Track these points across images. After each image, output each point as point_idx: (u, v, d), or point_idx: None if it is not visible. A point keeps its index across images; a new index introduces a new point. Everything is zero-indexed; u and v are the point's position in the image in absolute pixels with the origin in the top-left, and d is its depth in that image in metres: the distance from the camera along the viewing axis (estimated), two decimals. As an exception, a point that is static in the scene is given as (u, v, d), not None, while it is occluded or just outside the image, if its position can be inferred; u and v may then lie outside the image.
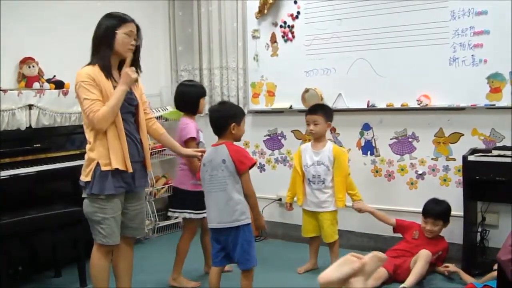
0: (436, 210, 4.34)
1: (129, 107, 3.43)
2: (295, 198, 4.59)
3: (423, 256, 4.08)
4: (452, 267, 4.21)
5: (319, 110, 4.43)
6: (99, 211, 3.31)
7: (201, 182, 3.70)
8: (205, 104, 4.56)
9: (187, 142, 4.15)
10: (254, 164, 3.60)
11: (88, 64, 3.33)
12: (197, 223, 4.35)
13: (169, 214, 4.45)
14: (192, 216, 4.24)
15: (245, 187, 3.54)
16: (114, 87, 3.32)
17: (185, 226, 4.41)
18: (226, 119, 3.58)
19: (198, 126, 4.31)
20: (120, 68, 3.43)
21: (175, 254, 4.37)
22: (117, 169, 3.27)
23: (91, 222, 3.38)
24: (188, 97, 4.33)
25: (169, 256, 5.01)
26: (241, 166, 3.50)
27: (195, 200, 4.13)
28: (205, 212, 3.89)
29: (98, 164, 3.26)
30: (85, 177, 3.30)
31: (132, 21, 3.42)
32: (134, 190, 3.48)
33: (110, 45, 3.33)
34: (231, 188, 3.50)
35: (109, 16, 3.41)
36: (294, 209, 4.69)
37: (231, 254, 3.57)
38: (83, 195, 3.37)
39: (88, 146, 3.32)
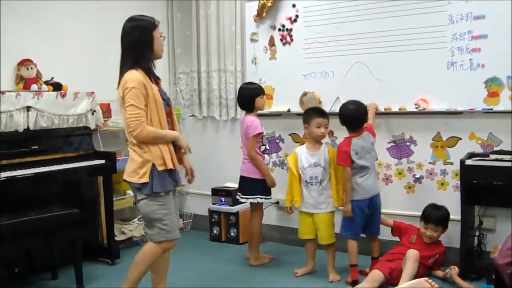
0: (437, 216, 4.33)
1: (167, 107, 3.57)
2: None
3: (411, 256, 4.10)
4: (455, 272, 4.18)
5: (326, 114, 4.55)
6: (160, 208, 3.45)
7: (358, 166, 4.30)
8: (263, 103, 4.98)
9: (252, 138, 4.73)
10: None
11: (131, 68, 3.39)
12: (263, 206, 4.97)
13: (240, 199, 4.98)
14: (264, 200, 4.87)
15: None
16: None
17: (254, 210, 4.96)
18: (366, 114, 4.40)
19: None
20: None
21: (249, 238, 5.02)
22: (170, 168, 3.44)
23: (150, 221, 3.48)
24: (244, 97, 4.89)
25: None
26: None
27: (265, 186, 4.80)
28: (271, 197, 4.92)
29: (153, 165, 3.39)
30: (140, 178, 3.40)
31: (159, 23, 3.57)
32: (177, 185, 3.65)
33: (152, 48, 3.48)
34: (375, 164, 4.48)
35: (138, 20, 3.50)
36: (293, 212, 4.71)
37: (371, 223, 4.43)
38: (140, 197, 3.45)
39: (138, 149, 3.41)
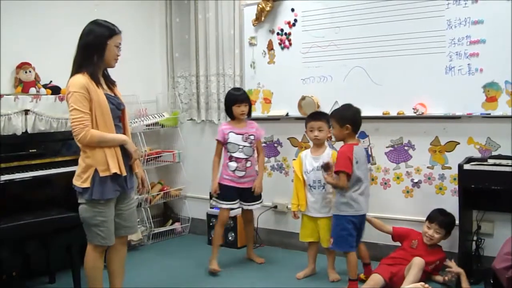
0: (443, 218, 4.35)
1: (118, 112, 3.57)
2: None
3: (416, 264, 4.09)
4: (454, 267, 4.16)
5: (322, 117, 4.53)
6: (98, 215, 3.44)
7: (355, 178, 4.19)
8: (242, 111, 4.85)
9: (216, 143, 4.87)
10: None
11: (77, 72, 3.39)
12: (225, 213, 4.91)
13: None
14: (215, 203, 4.96)
15: None
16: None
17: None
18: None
19: (237, 128, 4.83)
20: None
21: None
22: (114, 173, 3.40)
23: (88, 226, 3.49)
24: (225, 103, 4.93)
25: (164, 262, 5.03)
26: None
27: (220, 192, 4.84)
28: (228, 204, 4.81)
29: (96, 170, 3.37)
30: (82, 183, 3.39)
31: (120, 32, 3.53)
32: (126, 192, 3.61)
33: (102, 55, 3.44)
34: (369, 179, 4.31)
35: (98, 24, 3.50)
36: (289, 217, 4.70)
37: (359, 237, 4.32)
38: (80, 201, 3.45)
39: (83, 154, 3.41)
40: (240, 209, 5.01)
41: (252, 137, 4.84)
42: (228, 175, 4.82)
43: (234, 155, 4.80)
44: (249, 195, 4.87)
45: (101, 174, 3.37)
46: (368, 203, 4.29)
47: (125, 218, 3.64)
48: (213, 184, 4.85)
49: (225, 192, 4.83)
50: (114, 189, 3.46)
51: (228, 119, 4.97)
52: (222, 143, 4.82)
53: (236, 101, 4.80)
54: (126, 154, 3.54)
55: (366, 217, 4.53)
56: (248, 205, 4.93)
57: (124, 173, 3.49)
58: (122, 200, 3.61)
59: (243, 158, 4.81)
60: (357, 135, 4.35)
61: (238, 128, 4.82)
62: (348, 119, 4.21)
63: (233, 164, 4.80)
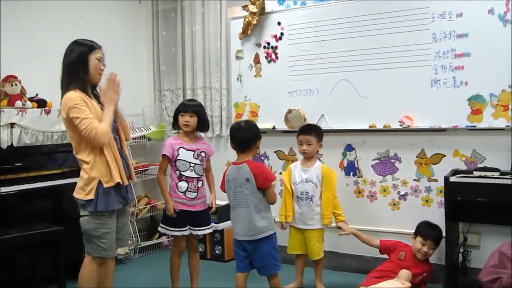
0: (437, 235, 4.34)
1: (114, 124, 3.62)
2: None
3: (403, 277, 4.10)
4: None
5: (312, 131, 4.52)
6: (102, 227, 3.46)
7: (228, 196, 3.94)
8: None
9: (162, 159, 4.31)
10: (274, 179, 3.93)
11: (68, 90, 3.42)
12: (181, 241, 4.36)
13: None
14: (166, 231, 4.34)
15: (271, 200, 3.86)
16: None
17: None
18: (255, 138, 3.87)
19: (187, 143, 4.32)
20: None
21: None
22: (117, 184, 3.45)
23: (90, 238, 3.48)
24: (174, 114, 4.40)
25: (151, 276, 4.99)
26: (265, 183, 3.79)
27: (170, 217, 4.26)
28: (180, 230, 4.26)
29: (100, 182, 3.40)
30: (86, 196, 3.41)
31: (100, 47, 3.58)
32: (127, 204, 3.67)
33: (86, 69, 3.49)
34: (255, 204, 3.79)
35: (78, 43, 3.55)
36: (276, 229, 4.68)
37: (253, 262, 3.89)
38: (83, 213, 3.46)
39: (86, 166, 3.43)
40: (229, 222, 4.95)
41: (203, 154, 4.33)
42: (178, 197, 4.25)
43: (185, 174, 4.25)
44: (201, 219, 4.35)
45: (105, 185, 3.40)
46: (253, 230, 3.81)
47: (117, 230, 3.62)
48: (169, 204, 4.21)
49: (176, 217, 4.23)
50: (118, 201, 3.50)
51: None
52: (170, 160, 4.26)
53: (181, 109, 4.34)
54: (126, 163, 3.60)
55: (353, 231, 4.53)
56: (199, 229, 4.34)
57: (126, 182, 3.55)
58: (121, 214, 3.63)
59: (195, 178, 4.27)
60: (253, 153, 3.94)
61: (188, 143, 4.32)
62: (257, 137, 3.94)
63: (183, 185, 4.24)
